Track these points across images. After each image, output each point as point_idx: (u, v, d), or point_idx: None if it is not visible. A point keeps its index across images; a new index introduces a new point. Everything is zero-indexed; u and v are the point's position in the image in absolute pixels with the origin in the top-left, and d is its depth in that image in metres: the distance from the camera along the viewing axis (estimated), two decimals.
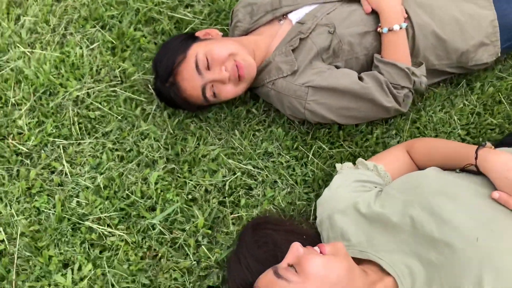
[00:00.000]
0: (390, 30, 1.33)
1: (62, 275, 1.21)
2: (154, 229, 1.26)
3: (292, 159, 1.40)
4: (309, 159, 1.40)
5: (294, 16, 1.43)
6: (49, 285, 1.21)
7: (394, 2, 1.34)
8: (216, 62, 1.32)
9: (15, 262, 1.23)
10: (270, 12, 1.45)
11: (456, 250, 0.93)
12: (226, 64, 1.33)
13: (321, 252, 0.95)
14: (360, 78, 1.35)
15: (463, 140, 1.42)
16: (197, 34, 1.43)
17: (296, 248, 0.95)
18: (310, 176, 1.37)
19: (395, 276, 1.00)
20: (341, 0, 1.43)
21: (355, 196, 1.15)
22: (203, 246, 1.25)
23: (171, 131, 1.43)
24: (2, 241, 1.25)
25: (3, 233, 1.25)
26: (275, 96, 1.39)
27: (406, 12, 1.35)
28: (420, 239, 1.00)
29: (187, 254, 1.24)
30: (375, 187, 1.20)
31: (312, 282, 0.90)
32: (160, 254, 1.24)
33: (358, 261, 1.05)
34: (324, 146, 1.41)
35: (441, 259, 0.95)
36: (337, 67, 1.39)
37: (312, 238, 1.21)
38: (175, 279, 1.22)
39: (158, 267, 1.23)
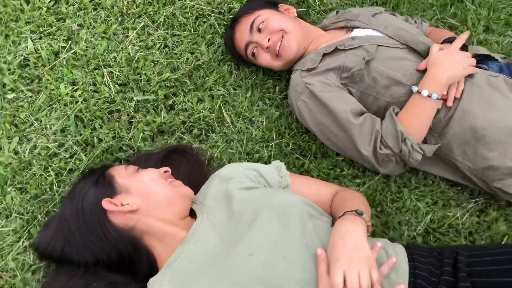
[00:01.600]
0: (419, 92, 1.34)
1: None
2: None
3: (262, 139, 1.56)
4: (272, 146, 1.54)
5: (357, 32, 1.53)
6: None
7: (443, 72, 1.34)
8: (267, 30, 1.51)
9: None
10: (345, 21, 1.59)
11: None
12: (273, 36, 1.51)
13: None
14: (361, 114, 1.39)
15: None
16: (280, 5, 1.63)
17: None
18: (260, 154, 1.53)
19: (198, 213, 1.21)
20: (407, 47, 1.47)
21: (239, 175, 1.28)
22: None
23: (207, 58, 1.70)
24: None
25: None
26: (290, 83, 1.53)
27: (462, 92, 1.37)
28: (234, 231, 1.12)
29: None
30: (265, 185, 1.31)
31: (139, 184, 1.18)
32: None
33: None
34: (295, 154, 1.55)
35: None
36: (350, 92, 1.44)
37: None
38: None
39: None
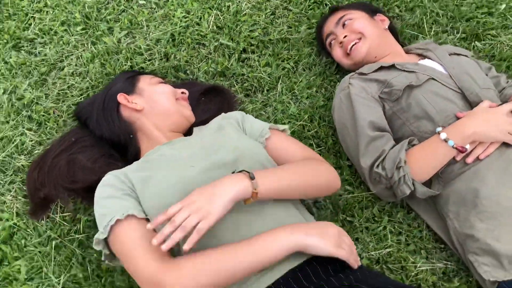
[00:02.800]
0: (439, 133, 1.34)
1: None
2: None
3: (294, 116, 1.69)
4: (297, 125, 1.67)
5: (426, 61, 1.57)
6: None
7: (472, 125, 1.31)
8: (349, 28, 1.63)
9: None
10: (424, 50, 1.62)
11: None
12: (351, 35, 1.62)
13: None
14: (380, 130, 1.43)
15: None
16: (379, 14, 1.72)
17: None
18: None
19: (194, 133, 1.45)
20: (461, 93, 1.45)
21: (235, 118, 1.47)
22: None
23: (299, 37, 1.89)
24: None
25: None
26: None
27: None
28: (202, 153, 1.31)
29: None
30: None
31: None
32: None
33: None
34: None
35: None
36: (383, 107, 1.48)
37: None
38: None
39: None
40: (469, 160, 1.34)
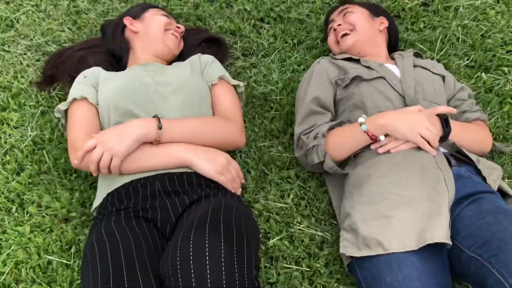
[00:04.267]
0: (364, 122, 1.44)
1: None
2: None
3: (273, 81, 1.90)
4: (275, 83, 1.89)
5: (391, 66, 1.67)
6: None
7: (387, 118, 1.40)
8: (346, 19, 1.76)
9: None
10: (399, 56, 1.72)
11: None
12: (344, 25, 1.75)
13: None
14: (324, 107, 1.58)
15: None
16: (381, 16, 1.82)
17: None
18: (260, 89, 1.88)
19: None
20: (403, 97, 1.54)
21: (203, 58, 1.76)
22: None
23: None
24: None
25: None
26: None
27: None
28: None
29: None
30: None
31: None
32: None
33: None
34: None
35: None
36: (335, 92, 1.63)
37: None
38: None
39: None
40: (380, 150, 1.44)
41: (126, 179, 1.39)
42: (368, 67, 1.63)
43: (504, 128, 1.77)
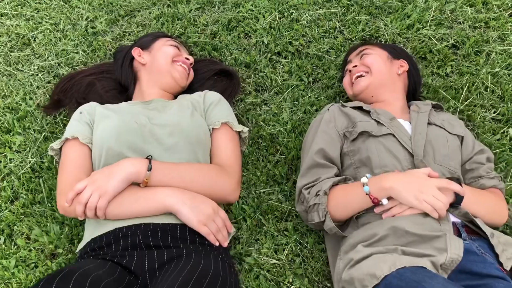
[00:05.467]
0: (366, 183, 1.35)
1: None
2: None
3: (283, 121, 1.82)
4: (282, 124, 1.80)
5: (403, 121, 1.57)
6: None
7: (392, 181, 1.30)
8: (362, 61, 1.69)
9: None
10: (416, 109, 1.61)
11: None
12: (360, 67, 1.68)
13: None
14: (329, 160, 1.49)
15: None
16: (401, 59, 1.72)
17: None
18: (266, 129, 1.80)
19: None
20: (412, 156, 1.44)
21: (206, 98, 1.70)
22: None
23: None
24: None
25: None
26: None
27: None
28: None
29: None
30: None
31: None
32: None
33: None
34: None
35: None
36: (342, 145, 1.53)
37: None
38: None
39: None
40: (384, 215, 1.34)
41: (110, 227, 1.34)
42: (378, 122, 1.53)
43: None
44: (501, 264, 1.27)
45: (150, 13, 2.15)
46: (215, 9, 2.17)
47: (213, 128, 1.57)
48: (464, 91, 1.87)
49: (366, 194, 1.34)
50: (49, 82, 1.93)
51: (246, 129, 1.62)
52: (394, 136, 1.48)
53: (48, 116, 1.82)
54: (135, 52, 1.74)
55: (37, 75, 1.94)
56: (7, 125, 1.79)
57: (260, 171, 1.68)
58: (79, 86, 1.80)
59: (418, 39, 2.04)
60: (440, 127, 1.55)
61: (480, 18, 2.10)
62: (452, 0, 2.18)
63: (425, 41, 2.04)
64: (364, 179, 1.36)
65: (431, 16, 2.11)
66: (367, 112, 1.58)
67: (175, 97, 1.75)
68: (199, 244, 1.33)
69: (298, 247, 1.52)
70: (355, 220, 1.41)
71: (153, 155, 1.42)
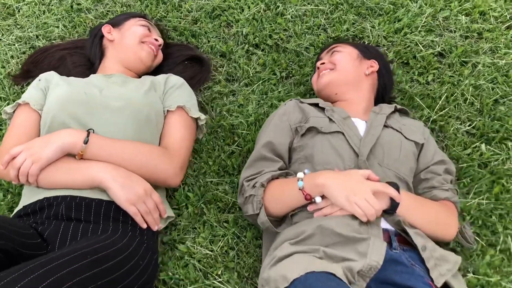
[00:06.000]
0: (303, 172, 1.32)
1: None
2: None
3: (247, 112, 1.78)
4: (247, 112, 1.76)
5: (358, 120, 1.50)
6: None
7: (327, 178, 1.24)
8: (331, 57, 1.63)
9: None
10: (378, 110, 1.55)
11: None
12: (328, 64, 1.62)
13: None
14: (276, 154, 1.44)
15: None
16: (372, 60, 1.66)
17: None
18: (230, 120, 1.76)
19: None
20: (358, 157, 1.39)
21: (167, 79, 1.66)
22: None
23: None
24: None
25: None
26: None
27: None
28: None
29: None
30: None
31: None
32: None
33: None
34: None
35: None
36: (292, 139, 1.48)
37: None
38: None
39: None
40: (315, 214, 1.29)
41: (41, 196, 1.32)
42: (331, 119, 1.47)
43: (487, 213, 1.53)
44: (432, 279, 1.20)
45: None
46: None
47: (168, 111, 1.54)
48: (441, 101, 1.79)
49: (299, 189, 1.28)
50: (24, 53, 1.94)
51: (203, 117, 1.58)
52: (343, 134, 1.42)
53: (16, 86, 1.83)
54: (105, 29, 1.73)
55: (14, 45, 1.96)
56: None
57: (212, 161, 1.64)
58: (51, 59, 1.80)
59: (403, 44, 1.97)
60: (397, 130, 1.48)
61: (474, 28, 2.01)
62: (448, 8, 2.09)
63: (410, 46, 1.96)
64: (300, 174, 1.31)
65: (423, 21, 2.02)
66: (323, 109, 1.53)
67: (139, 77, 1.73)
68: (121, 223, 1.31)
69: (235, 241, 1.47)
70: (289, 218, 1.36)
71: (97, 128, 1.40)
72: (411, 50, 1.95)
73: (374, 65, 1.66)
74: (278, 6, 2.07)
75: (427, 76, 1.88)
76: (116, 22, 1.76)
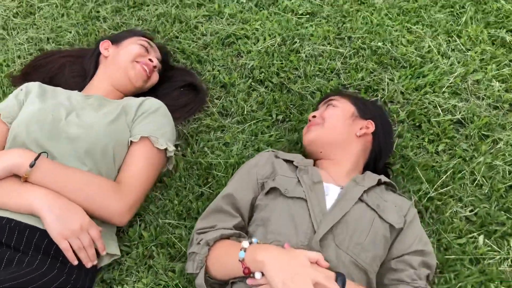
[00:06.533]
0: (250, 242, 1.18)
1: None
2: None
3: (233, 153, 1.67)
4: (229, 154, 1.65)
5: (333, 187, 1.36)
6: None
7: (268, 256, 1.10)
8: (325, 112, 1.51)
9: None
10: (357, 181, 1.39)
11: None
12: (319, 118, 1.51)
13: None
14: (236, 209, 1.34)
15: None
16: (368, 120, 1.51)
17: None
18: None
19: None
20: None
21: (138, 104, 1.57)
22: None
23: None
24: None
25: None
26: None
27: None
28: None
29: None
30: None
31: None
32: None
33: None
34: None
35: None
36: (256, 195, 1.37)
37: None
38: None
39: None
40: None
41: None
42: (299, 181, 1.33)
43: None
44: None
45: (156, 9, 2.10)
46: (222, 20, 2.06)
47: (131, 141, 1.47)
48: (445, 176, 1.59)
49: (239, 260, 1.16)
50: (31, 54, 1.95)
51: (172, 148, 1.49)
52: (305, 201, 1.28)
53: (14, 87, 1.83)
54: (103, 44, 1.69)
55: (23, 45, 1.97)
56: None
57: (178, 200, 1.55)
58: (51, 66, 1.79)
59: (420, 104, 1.78)
60: (372, 208, 1.31)
61: (506, 99, 1.78)
62: (482, 70, 1.88)
63: (428, 108, 1.77)
64: (244, 243, 1.18)
65: (449, 82, 1.82)
66: (295, 167, 1.39)
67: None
68: (51, 258, 1.24)
69: None
70: (230, 285, 1.24)
71: (57, 155, 1.35)
72: (427, 113, 1.76)
73: (370, 127, 1.50)
74: (295, 42, 1.95)
75: (438, 145, 1.68)
76: (116, 39, 1.72)
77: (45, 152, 1.33)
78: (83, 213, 1.28)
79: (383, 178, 1.43)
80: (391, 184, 1.44)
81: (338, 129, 1.47)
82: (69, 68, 1.76)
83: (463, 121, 1.74)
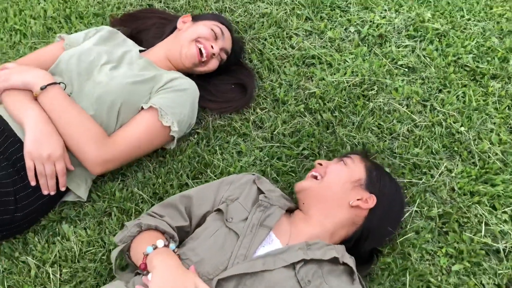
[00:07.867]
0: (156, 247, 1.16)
1: None
2: None
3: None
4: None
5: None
6: None
7: (159, 278, 1.06)
8: (328, 165, 1.37)
9: None
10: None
11: None
12: (322, 169, 1.37)
13: None
14: (189, 215, 1.33)
15: None
16: (373, 196, 1.33)
17: None
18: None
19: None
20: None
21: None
22: None
23: None
24: None
25: None
26: None
27: None
28: None
29: None
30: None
31: None
32: None
33: None
34: None
35: None
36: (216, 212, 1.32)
37: None
38: None
39: None
40: (137, 287, 1.14)
41: None
42: (248, 216, 1.25)
43: None
44: None
45: (265, 8, 2.08)
46: (319, 40, 1.97)
47: (142, 107, 1.51)
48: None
49: (143, 253, 1.15)
50: (141, 6, 2.11)
51: (175, 128, 1.50)
52: (237, 238, 1.19)
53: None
54: (184, 18, 1.76)
55: None
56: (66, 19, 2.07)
57: (163, 180, 1.56)
58: (147, 21, 1.92)
59: (464, 211, 1.48)
60: (298, 282, 1.14)
61: None
62: None
63: (470, 219, 1.46)
64: (159, 243, 1.17)
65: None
66: (259, 199, 1.30)
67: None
68: (14, 169, 1.37)
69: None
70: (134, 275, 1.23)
71: (74, 88, 1.48)
72: (466, 224, 1.46)
73: (368, 202, 1.31)
74: (373, 89, 1.77)
75: (454, 264, 1.39)
76: (198, 17, 1.77)
77: (63, 83, 1.45)
78: (59, 146, 1.37)
79: (345, 259, 1.23)
80: (351, 270, 1.24)
81: (333, 189, 1.32)
82: (155, 30, 1.88)
83: (502, 252, 1.41)
